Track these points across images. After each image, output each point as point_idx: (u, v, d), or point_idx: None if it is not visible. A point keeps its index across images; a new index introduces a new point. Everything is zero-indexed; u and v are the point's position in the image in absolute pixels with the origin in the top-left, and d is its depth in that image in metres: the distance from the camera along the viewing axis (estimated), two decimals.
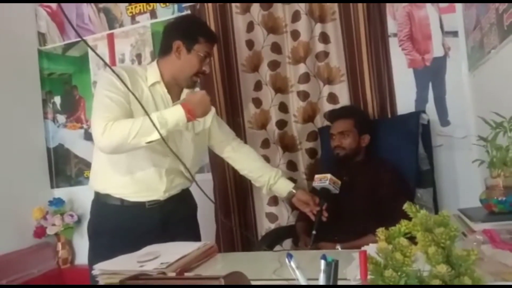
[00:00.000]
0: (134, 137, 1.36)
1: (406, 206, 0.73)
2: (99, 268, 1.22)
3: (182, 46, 1.52)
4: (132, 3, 2.76)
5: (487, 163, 1.22)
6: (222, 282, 0.69)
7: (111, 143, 1.40)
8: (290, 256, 0.75)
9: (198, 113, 1.45)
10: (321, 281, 0.71)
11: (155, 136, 1.37)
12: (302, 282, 0.71)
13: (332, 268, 0.73)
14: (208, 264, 1.28)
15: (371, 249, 1.20)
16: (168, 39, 1.56)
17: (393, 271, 0.69)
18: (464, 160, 2.06)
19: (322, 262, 0.74)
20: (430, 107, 2.15)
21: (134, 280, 0.75)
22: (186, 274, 0.87)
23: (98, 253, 1.52)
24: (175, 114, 1.39)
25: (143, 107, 1.39)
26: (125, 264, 1.23)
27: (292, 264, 0.74)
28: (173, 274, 0.87)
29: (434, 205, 1.99)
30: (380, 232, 0.75)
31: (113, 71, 1.42)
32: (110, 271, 1.20)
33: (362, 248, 1.17)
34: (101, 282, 1.18)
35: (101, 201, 1.60)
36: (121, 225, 1.53)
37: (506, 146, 1.16)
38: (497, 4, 1.46)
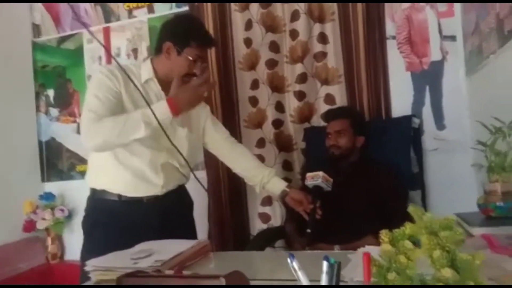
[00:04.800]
0: (118, 135, 1.38)
1: (411, 209, 0.73)
2: (92, 264, 1.20)
3: (173, 47, 1.51)
4: None
5: (485, 168, 1.22)
6: (223, 281, 0.68)
7: (95, 143, 1.42)
8: (292, 256, 0.74)
9: (185, 109, 1.45)
10: (323, 282, 0.70)
11: (139, 134, 1.37)
12: (305, 283, 0.70)
13: (335, 269, 0.72)
14: (202, 263, 1.27)
15: (370, 250, 1.20)
16: (160, 39, 1.56)
17: (396, 274, 0.68)
18: (460, 164, 2.07)
19: (325, 263, 0.72)
20: (427, 110, 2.15)
21: (132, 278, 0.73)
22: (184, 272, 0.86)
23: (93, 248, 1.49)
24: (159, 111, 1.38)
25: (144, 98, 1.39)
26: (118, 260, 1.21)
27: (294, 264, 0.73)
28: (171, 272, 0.86)
29: (423, 206, 2.01)
30: (384, 234, 0.74)
31: (118, 63, 1.43)
32: (103, 267, 1.17)
33: (360, 249, 1.17)
34: (94, 278, 1.16)
35: (97, 197, 1.58)
36: (119, 220, 1.52)
37: (504, 152, 1.16)
38: (497, 9, 1.47)
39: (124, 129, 1.37)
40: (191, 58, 1.50)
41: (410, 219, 1.97)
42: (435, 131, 2.13)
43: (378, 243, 1.61)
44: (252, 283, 0.82)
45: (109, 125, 1.38)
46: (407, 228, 0.72)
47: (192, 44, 1.50)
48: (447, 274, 0.63)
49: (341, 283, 0.89)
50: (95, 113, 1.39)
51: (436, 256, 0.66)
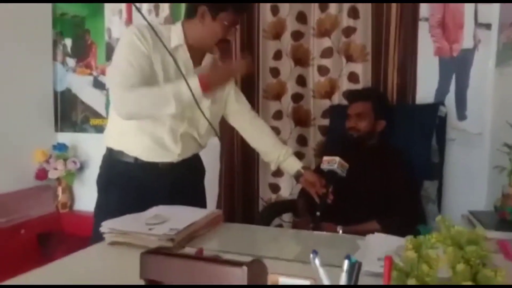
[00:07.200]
0: (150, 108, 1.40)
1: (439, 219, 0.72)
2: (108, 226, 1.22)
3: (207, 12, 1.45)
4: None
5: (507, 170, 1.21)
6: (245, 270, 0.69)
7: (127, 112, 1.43)
8: (315, 253, 0.74)
9: (215, 89, 1.44)
10: (343, 281, 0.71)
11: (170, 110, 1.37)
12: (326, 282, 0.70)
13: (356, 269, 0.72)
14: (214, 234, 1.30)
15: (376, 238, 1.21)
16: (195, 2, 1.49)
17: (416, 280, 0.69)
18: (476, 159, 2.05)
19: (346, 262, 0.73)
20: (450, 98, 2.10)
21: (155, 255, 0.75)
22: (205, 253, 0.87)
23: (107, 206, 1.53)
24: (191, 88, 1.37)
25: (178, 66, 1.39)
26: (133, 225, 1.23)
27: (317, 261, 0.73)
28: (191, 250, 0.87)
29: (438, 197, 2.00)
30: (409, 241, 0.74)
31: (148, 22, 1.39)
32: (119, 231, 1.20)
33: (369, 236, 1.18)
34: (108, 239, 1.19)
35: (113, 157, 1.59)
36: (133, 182, 1.54)
37: None
38: None
39: (156, 103, 1.38)
40: (226, 23, 1.45)
41: (417, 211, 1.96)
42: (455, 121, 2.09)
43: (381, 229, 1.63)
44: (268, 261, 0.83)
45: (142, 95, 1.38)
46: (433, 237, 0.72)
47: (229, 9, 1.44)
48: None
49: None
50: (128, 81, 1.38)
51: (460, 270, 0.67)
